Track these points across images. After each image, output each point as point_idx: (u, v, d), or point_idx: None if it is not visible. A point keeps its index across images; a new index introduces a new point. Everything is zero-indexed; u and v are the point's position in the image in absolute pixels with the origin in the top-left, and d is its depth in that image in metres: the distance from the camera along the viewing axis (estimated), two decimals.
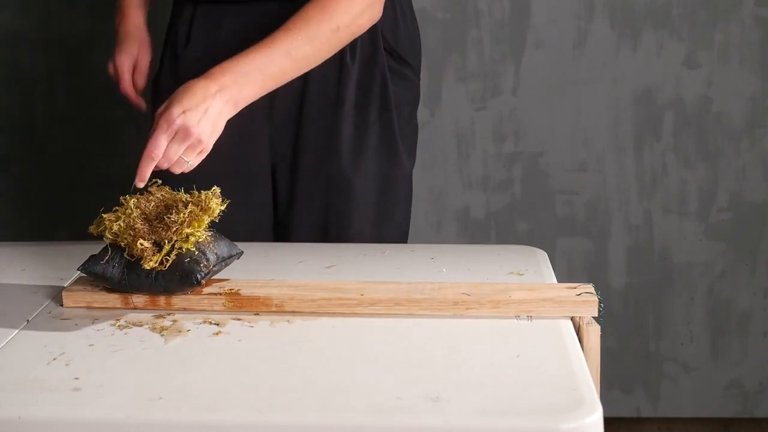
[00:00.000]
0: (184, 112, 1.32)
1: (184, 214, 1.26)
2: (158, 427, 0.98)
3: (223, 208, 1.28)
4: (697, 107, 2.48)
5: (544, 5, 2.45)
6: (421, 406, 0.99)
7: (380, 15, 1.55)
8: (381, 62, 1.65)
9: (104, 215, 1.29)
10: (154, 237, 1.26)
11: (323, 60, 1.50)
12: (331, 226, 1.68)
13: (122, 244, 1.27)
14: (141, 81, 1.68)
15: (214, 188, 1.30)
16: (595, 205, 2.54)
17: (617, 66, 2.47)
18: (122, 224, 1.27)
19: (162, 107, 1.35)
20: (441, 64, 2.49)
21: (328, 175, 1.66)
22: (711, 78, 2.47)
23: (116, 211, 1.30)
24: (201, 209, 1.27)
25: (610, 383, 2.59)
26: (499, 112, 2.51)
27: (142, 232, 1.26)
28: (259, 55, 1.42)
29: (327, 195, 1.67)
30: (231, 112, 1.39)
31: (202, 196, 1.28)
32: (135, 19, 1.69)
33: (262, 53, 1.42)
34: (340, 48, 1.52)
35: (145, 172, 1.32)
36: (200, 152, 1.36)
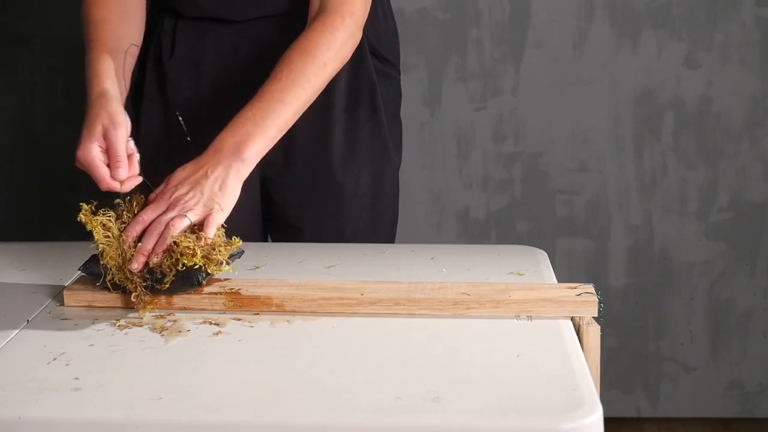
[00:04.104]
0: (175, 187, 1.29)
1: (190, 249, 1.24)
2: (158, 427, 0.98)
3: (226, 263, 1.26)
4: (697, 107, 2.48)
5: (544, 5, 2.45)
6: (421, 406, 0.99)
7: (360, 38, 1.55)
8: (367, 65, 1.65)
9: (96, 220, 1.27)
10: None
11: (318, 94, 1.48)
12: (327, 228, 1.69)
13: (109, 263, 1.26)
14: (122, 171, 1.31)
15: (234, 240, 1.27)
16: (595, 205, 2.54)
17: (617, 66, 2.47)
18: (111, 250, 1.26)
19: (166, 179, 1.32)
20: (441, 64, 2.49)
21: (321, 178, 1.67)
22: (711, 78, 2.47)
23: (106, 212, 1.29)
24: (205, 256, 1.25)
25: (610, 383, 2.59)
26: (499, 112, 2.51)
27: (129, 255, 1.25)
28: (252, 111, 1.38)
29: (321, 198, 1.68)
30: (239, 174, 1.34)
31: (214, 247, 1.25)
32: (98, 86, 1.40)
33: (257, 109, 1.39)
34: (330, 79, 1.50)
35: (131, 234, 1.26)
36: (208, 215, 1.28)
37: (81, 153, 1.31)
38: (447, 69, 2.49)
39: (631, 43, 2.46)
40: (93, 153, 1.31)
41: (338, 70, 1.52)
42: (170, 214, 1.27)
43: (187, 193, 1.29)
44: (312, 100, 1.47)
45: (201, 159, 1.34)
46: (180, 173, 1.32)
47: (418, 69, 2.49)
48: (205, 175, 1.31)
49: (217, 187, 1.31)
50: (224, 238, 1.28)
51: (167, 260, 1.24)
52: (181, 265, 1.23)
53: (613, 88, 2.48)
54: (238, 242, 1.28)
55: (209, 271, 1.25)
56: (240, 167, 1.34)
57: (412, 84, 2.45)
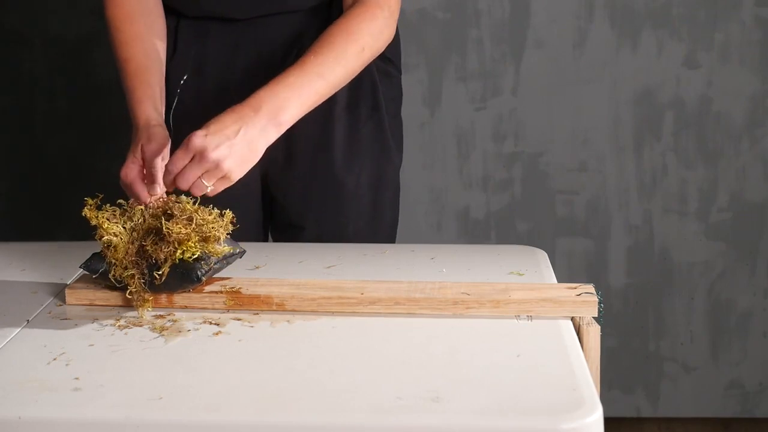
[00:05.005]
0: (206, 135, 1.30)
1: (183, 233, 1.24)
2: (158, 427, 0.98)
3: (228, 232, 1.27)
4: (697, 107, 2.48)
5: (544, 5, 2.45)
6: (421, 406, 0.99)
7: (394, 31, 1.58)
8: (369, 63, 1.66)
9: (102, 215, 1.28)
10: (144, 257, 1.26)
11: (351, 78, 1.51)
12: (327, 227, 1.69)
13: (111, 258, 1.27)
14: (156, 187, 1.34)
15: (226, 212, 1.28)
16: (595, 205, 2.54)
17: (617, 66, 2.47)
18: (118, 241, 1.26)
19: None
20: (441, 64, 2.49)
21: (322, 177, 1.67)
22: (711, 78, 2.47)
23: (114, 211, 1.29)
24: (203, 239, 1.25)
25: (610, 383, 2.59)
26: (499, 112, 2.51)
27: (129, 262, 1.26)
28: (293, 79, 1.41)
29: (322, 196, 1.68)
30: (270, 136, 1.36)
31: (208, 225, 1.25)
32: (143, 114, 1.46)
33: (296, 77, 1.41)
34: (364, 67, 1.53)
35: (166, 182, 1.30)
36: (223, 179, 1.30)
37: (123, 172, 1.36)
38: (447, 69, 2.49)
39: (631, 43, 2.46)
40: (134, 173, 1.36)
41: (373, 58, 1.54)
42: (193, 171, 1.27)
43: (216, 148, 1.29)
44: (346, 82, 1.49)
45: (237, 113, 1.34)
46: (214, 123, 1.32)
47: (418, 69, 2.49)
48: (236, 133, 1.32)
49: (246, 149, 1.32)
50: (217, 214, 1.28)
51: (163, 248, 1.24)
52: (180, 252, 1.24)
53: (613, 88, 2.48)
54: (230, 216, 1.27)
55: (208, 249, 1.25)
56: (271, 131, 1.36)
57: (412, 84, 2.45)
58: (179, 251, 1.24)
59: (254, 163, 1.35)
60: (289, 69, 1.42)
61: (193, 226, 1.25)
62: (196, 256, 1.25)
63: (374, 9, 1.52)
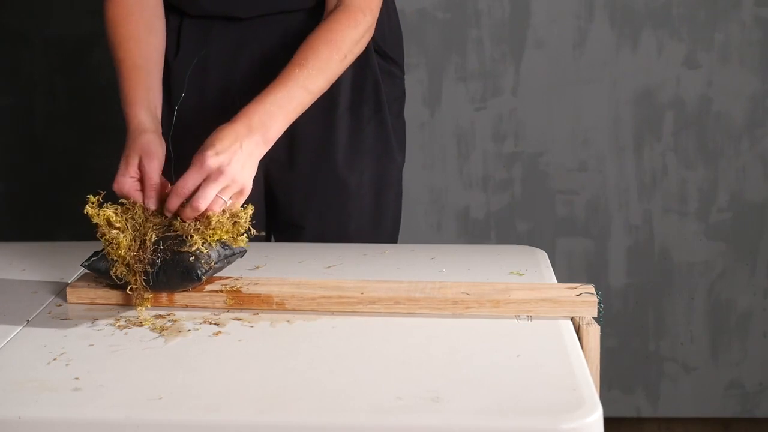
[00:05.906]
0: (217, 153, 1.32)
1: (221, 221, 1.29)
2: (158, 427, 0.98)
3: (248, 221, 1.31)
4: (697, 107, 2.48)
5: (544, 5, 2.45)
6: (421, 406, 0.99)
7: (372, 33, 1.58)
8: (372, 63, 1.66)
9: (104, 212, 1.28)
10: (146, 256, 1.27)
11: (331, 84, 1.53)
12: (330, 226, 1.69)
13: (113, 255, 1.27)
14: (151, 202, 1.34)
15: (248, 206, 1.32)
16: (595, 205, 2.54)
17: (617, 66, 2.47)
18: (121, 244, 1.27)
19: (197, 151, 1.35)
20: (441, 64, 2.49)
21: (324, 176, 1.67)
22: (711, 78, 2.47)
23: (116, 209, 1.30)
24: (235, 224, 1.30)
25: (610, 383, 2.59)
26: (499, 112, 2.51)
27: (133, 265, 1.27)
28: (279, 93, 1.43)
29: (324, 196, 1.68)
30: (262, 152, 1.39)
31: (240, 213, 1.31)
32: (135, 119, 1.46)
33: (281, 90, 1.43)
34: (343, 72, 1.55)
35: (173, 206, 1.31)
36: (239, 193, 1.33)
37: (116, 185, 1.36)
38: (447, 69, 2.49)
39: (631, 43, 2.46)
40: (127, 185, 1.36)
41: (353, 61, 1.55)
42: (212, 187, 1.29)
43: (230, 163, 1.31)
44: (327, 88, 1.51)
45: (233, 131, 1.36)
46: (218, 142, 1.34)
47: (418, 69, 2.49)
48: (240, 148, 1.34)
49: (250, 162, 1.35)
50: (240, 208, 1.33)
51: (199, 227, 1.27)
52: (212, 233, 1.28)
53: (613, 88, 2.48)
54: (250, 208, 1.32)
55: (234, 233, 1.29)
56: (262, 146, 1.39)
57: (412, 84, 2.45)
58: (215, 234, 1.28)
59: (252, 178, 1.37)
60: (276, 82, 1.44)
61: (227, 216, 1.30)
62: (223, 239, 1.28)
63: (356, 14, 1.53)
